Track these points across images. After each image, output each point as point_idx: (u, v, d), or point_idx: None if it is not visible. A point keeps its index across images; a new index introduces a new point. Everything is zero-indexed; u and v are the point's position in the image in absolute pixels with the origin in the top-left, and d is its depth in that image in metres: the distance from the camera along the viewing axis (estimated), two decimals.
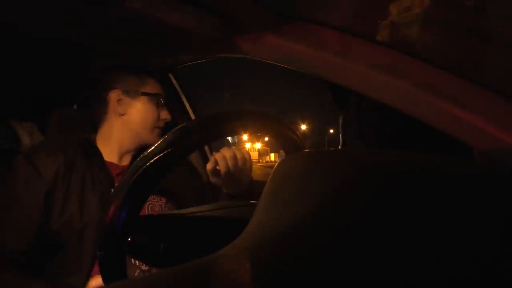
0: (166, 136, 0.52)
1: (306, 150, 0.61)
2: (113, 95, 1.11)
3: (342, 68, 0.60)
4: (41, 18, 0.95)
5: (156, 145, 0.51)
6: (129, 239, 0.52)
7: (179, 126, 0.53)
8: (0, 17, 0.93)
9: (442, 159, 0.33)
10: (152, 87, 1.15)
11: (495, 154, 0.46)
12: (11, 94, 1.56)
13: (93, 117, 1.16)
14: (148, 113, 1.13)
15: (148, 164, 0.50)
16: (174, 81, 1.55)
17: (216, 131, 0.56)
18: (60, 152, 1.02)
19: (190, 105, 1.60)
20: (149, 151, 0.51)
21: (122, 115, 1.11)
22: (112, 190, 1.04)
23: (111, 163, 1.10)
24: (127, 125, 1.12)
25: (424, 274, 0.23)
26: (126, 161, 1.13)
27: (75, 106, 1.72)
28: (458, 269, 0.23)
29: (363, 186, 0.29)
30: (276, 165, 0.38)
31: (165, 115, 1.17)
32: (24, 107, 1.60)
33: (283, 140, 0.64)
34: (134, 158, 1.13)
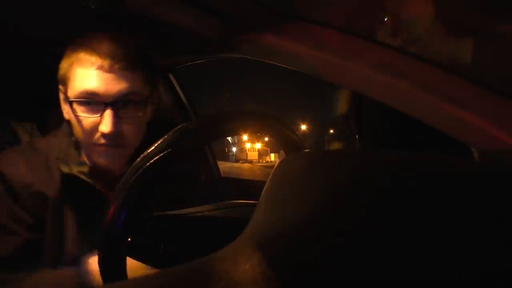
0: (166, 136, 0.52)
1: (306, 150, 0.62)
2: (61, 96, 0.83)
3: (342, 68, 0.60)
4: (41, 18, 0.95)
5: (156, 145, 0.51)
6: (129, 239, 0.52)
7: (179, 126, 0.53)
8: (0, 17, 0.93)
9: (442, 159, 0.33)
10: (85, 83, 0.73)
11: (495, 154, 0.46)
12: (11, 94, 1.56)
13: None
14: (75, 125, 0.79)
15: (148, 164, 0.50)
16: (174, 81, 1.55)
17: (216, 131, 0.56)
18: (45, 171, 0.81)
19: (190, 105, 1.60)
20: (149, 151, 0.51)
21: None
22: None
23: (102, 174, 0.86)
24: None
25: (424, 273, 0.23)
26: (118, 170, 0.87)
27: None
28: (459, 269, 0.23)
29: (363, 186, 0.29)
30: (276, 165, 0.38)
31: (107, 127, 0.73)
32: (24, 107, 1.60)
33: (283, 140, 0.64)
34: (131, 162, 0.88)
